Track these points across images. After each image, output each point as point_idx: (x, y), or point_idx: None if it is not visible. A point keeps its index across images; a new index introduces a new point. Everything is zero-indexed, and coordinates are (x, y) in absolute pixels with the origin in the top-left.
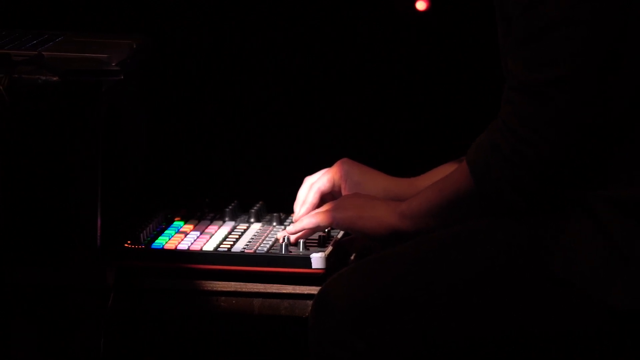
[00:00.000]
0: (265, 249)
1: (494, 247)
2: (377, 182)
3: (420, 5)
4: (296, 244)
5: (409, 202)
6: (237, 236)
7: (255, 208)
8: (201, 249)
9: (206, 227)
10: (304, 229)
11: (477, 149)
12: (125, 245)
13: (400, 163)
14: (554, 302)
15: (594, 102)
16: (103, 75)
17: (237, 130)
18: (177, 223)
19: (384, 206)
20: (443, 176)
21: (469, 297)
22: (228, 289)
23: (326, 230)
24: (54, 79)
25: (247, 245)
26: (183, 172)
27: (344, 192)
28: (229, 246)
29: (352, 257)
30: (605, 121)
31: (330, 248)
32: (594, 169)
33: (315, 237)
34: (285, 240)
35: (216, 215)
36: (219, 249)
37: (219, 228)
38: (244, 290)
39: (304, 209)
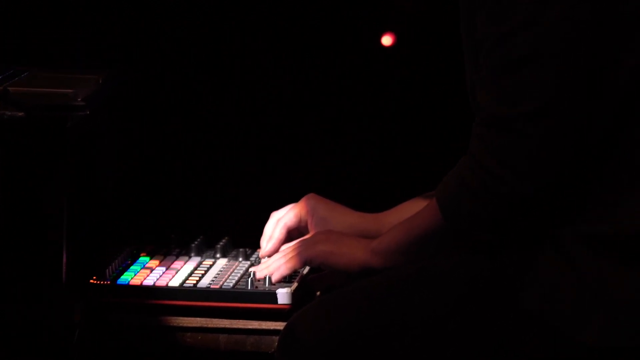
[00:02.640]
0: (231, 285)
1: (465, 281)
2: (344, 217)
3: (386, 41)
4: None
5: (380, 239)
6: (203, 272)
7: (221, 243)
8: (167, 284)
9: (172, 263)
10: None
11: (447, 185)
12: (91, 281)
13: (365, 198)
14: (527, 337)
15: (567, 136)
16: (68, 110)
17: (202, 165)
18: (143, 258)
19: (356, 243)
20: (409, 211)
21: (441, 330)
22: (194, 325)
23: None
24: (20, 114)
25: (213, 280)
26: (149, 208)
27: (310, 228)
28: (194, 282)
29: (318, 294)
30: (578, 156)
31: (296, 284)
32: (564, 204)
33: None
34: (251, 276)
35: (182, 250)
36: (184, 285)
37: (185, 264)
38: (209, 326)
39: (270, 245)
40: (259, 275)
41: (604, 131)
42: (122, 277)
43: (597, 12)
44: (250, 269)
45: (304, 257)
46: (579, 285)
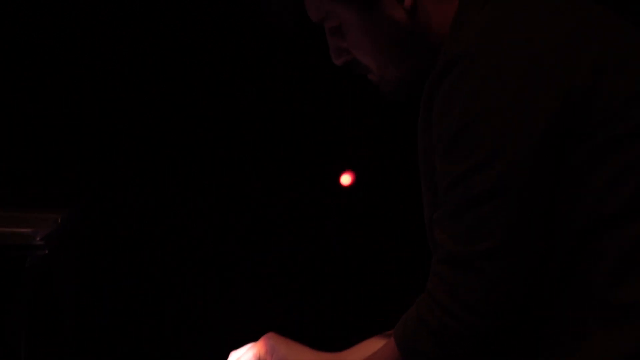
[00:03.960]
0: None
1: None
2: (303, 356)
3: (345, 180)
4: None
5: None
6: None
7: None
8: None
9: None
10: None
11: (405, 323)
12: None
13: (325, 336)
14: None
15: (525, 274)
16: (27, 250)
17: (159, 304)
18: None
19: None
20: (368, 350)
21: None
22: None
23: None
24: None
25: None
26: (106, 344)
27: None
28: None
29: None
30: (535, 293)
31: None
32: (519, 340)
33: None
34: None
35: None
36: None
37: None
38: None
39: None
40: None
41: (560, 269)
42: None
43: (555, 154)
44: None
45: None
46: None
